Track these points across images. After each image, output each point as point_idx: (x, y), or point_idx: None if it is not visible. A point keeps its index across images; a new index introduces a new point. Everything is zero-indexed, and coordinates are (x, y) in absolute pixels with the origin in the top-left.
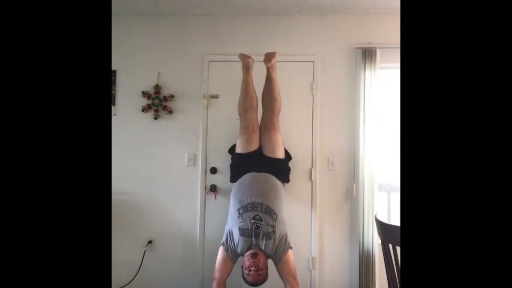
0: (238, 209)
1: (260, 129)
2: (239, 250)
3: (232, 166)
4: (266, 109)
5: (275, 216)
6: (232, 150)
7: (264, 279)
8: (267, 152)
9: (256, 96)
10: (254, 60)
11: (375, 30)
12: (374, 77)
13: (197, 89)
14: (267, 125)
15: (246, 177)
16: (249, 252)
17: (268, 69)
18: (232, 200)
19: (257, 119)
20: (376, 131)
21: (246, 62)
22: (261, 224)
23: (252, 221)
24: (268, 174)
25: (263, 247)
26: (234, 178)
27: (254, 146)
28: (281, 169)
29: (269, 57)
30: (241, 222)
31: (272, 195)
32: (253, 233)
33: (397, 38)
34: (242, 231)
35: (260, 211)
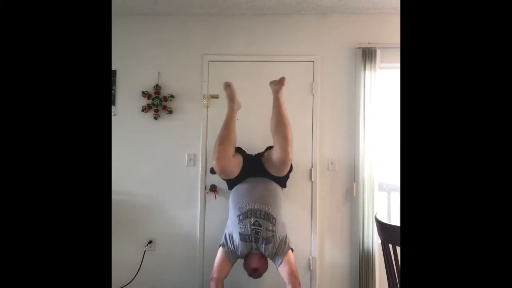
0: (238, 215)
1: (271, 160)
2: (239, 253)
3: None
4: (278, 139)
5: (274, 220)
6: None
7: (264, 271)
8: (272, 172)
9: (235, 133)
10: (254, 60)
11: (375, 30)
12: (374, 77)
13: (197, 89)
14: (282, 157)
15: (245, 182)
16: (250, 267)
17: (275, 94)
18: (231, 205)
19: (231, 151)
20: (376, 130)
21: (229, 92)
22: (260, 230)
23: (252, 227)
24: (266, 179)
25: (263, 251)
26: (231, 187)
27: (234, 174)
28: (281, 179)
29: (277, 88)
30: (242, 228)
31: (271, 201)
32: (253, 238)
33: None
34: (243, 237)
35: (259, 217)
